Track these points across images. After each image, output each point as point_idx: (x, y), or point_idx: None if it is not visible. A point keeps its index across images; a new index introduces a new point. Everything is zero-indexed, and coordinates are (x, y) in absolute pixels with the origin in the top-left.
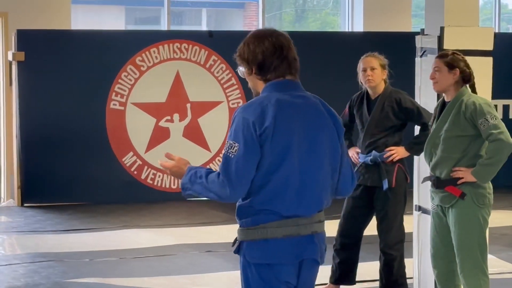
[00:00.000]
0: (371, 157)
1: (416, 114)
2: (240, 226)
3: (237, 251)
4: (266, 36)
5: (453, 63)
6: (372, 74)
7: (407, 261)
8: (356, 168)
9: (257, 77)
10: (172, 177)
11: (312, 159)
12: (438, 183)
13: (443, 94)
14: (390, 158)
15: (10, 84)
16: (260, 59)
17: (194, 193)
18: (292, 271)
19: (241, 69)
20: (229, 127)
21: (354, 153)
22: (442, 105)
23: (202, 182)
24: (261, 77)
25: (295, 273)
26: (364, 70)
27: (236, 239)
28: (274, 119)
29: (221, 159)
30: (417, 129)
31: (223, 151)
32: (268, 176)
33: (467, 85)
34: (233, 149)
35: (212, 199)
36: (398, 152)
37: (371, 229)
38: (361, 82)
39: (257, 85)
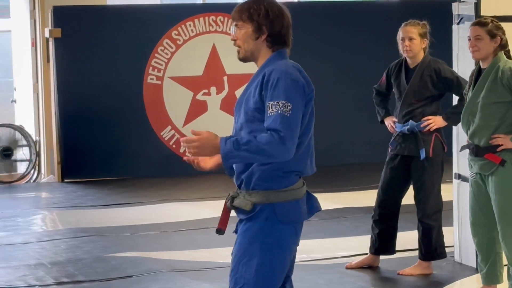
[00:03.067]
0: (408, 126)
1: (455, 84)
2: (266, 189)
3: (254, 214)
4: (281, 7)
5: (495, 31)
6: (410, 44)
7: (447, 229)
8: (393, 138)
9: (266, 44)
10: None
11: (313, 120)
12: (477, 151)
13: (480, 62)
14: (427, 128)
15: (48, 61)
16: (277, 29)
17: (239, 160)
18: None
19: (234, 29)
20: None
21: (390, 122)
22: (478, 72)
23: (251, 146)
24: (271, 44)
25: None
26: (403, 40)
27: (253, 204)
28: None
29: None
30: (455, 98)
31: (272, 111)
32: (300, 138)
33: (502, 52)
34: (287, 108)
35: (260, 161)
36: (435, 122)
37: (410, 198)
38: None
39: (260, 50)
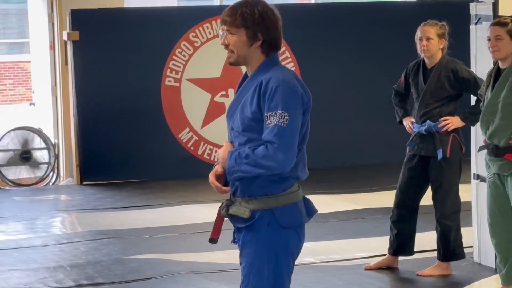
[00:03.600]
0: (426, 126)
1: (473, 85)
2: (264, 195)
3: (254, 221)
4: (276, 12)
5: None
6: (428, 44)
7: (466, 230)
8: (410, 138)
9: (261, 49)
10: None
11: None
12: (496, 151)
13: (499, 61)
14: (445, 128)
15: (66, 63)
16: (272, 36)
17: (242, 174)
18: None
19: (222, 33)
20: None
21: (408, 123)
22: (497, 72)
23: (250, 161)
24: (266, 51)
25: None
26: (421, 40)
27: (251, 211)
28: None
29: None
30: (473, 99)
31: (270, 122)
32: (299, 145)
33: None
34: (284, 118)
35: (260, 174)
36: (453, 122)
37: (428, 199)
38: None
39: (253, 57)
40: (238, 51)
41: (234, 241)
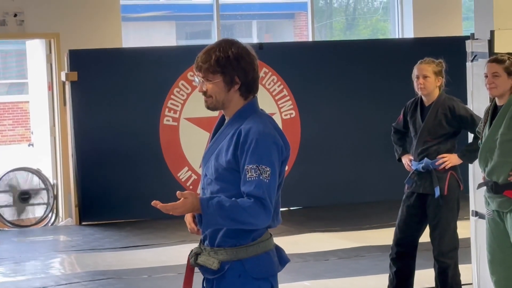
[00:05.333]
0: (423, 164)
1: (470, 122)
2: (233, 246)
3: (224, 272)
4: (251, 53)
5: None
6: (424, 82)
7: (466, 267)
8: (409, 175)
9: (239, 94)
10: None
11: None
12: (495, 188)
13: (495, 98)
14: (442, 166)
15: (64, 104)
16: (250, 78)
17: (221, 227)
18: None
19: (197, 79)
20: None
21: (407, 160)
22: (494, 109)
23: (230, 214)
24: (245, 94)
25: None
26: (417, 78)
27: (220, 262)
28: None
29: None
30: (470, 136)
31: (252, 176)
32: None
33: None
34: (266, 174)
35: (240, 228)
36: (450, 160)
37: (428, 236)
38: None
39: (232, 101)
40: (217, 97)
41: None
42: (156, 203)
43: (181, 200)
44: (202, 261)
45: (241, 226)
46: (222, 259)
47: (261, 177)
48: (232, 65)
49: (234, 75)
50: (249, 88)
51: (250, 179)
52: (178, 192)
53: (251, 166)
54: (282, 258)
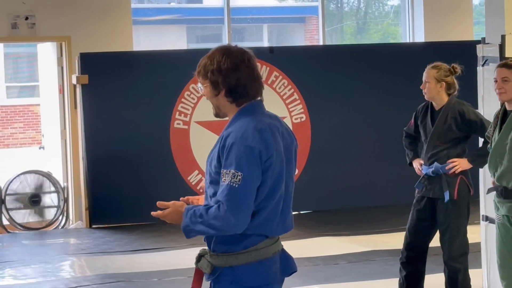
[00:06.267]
0: (433, 168)
1: (480, 127)
2: (224, 252)
3: (216, 278)
4: (238, 58)
5: None
6: (427, 87)
7: (476, 271)
8: (419, 180)
9: (227, 99)
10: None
11: (289, 180)
12: (505, 193)
13: (505, 103)
14: (452, 170)
15: (75, 107)
16: (233, 83)
17: (197, 234)
18: (279, 287)
19: (201, 86)
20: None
21: (417, 165)
22: (504, 114)
23: (203, 221)
24: (232, 99)
25: None
26: (423, 82)
27: (212, 266)
28: (275, 146)
29: None
30: (481, 141)
31: (225, 180)
32: (263, 203)
33: None
34: (236, 178)
35: (215, 235)
36: (460, 164)
37: (438, 240)
38: None
39: (225, 106)
40: (212, 102)
41: None
42: (161, 204)
43: (166, 210)
44: (200, 264)
45: (213, 232)
46: (215, 264)
47: (230, 182)
48: (214, 71)
49: (217, 81)
50: (236, 94)
51: (222, 183)
52: (158, 202)
53: (225, 170)
54: (287, 267)
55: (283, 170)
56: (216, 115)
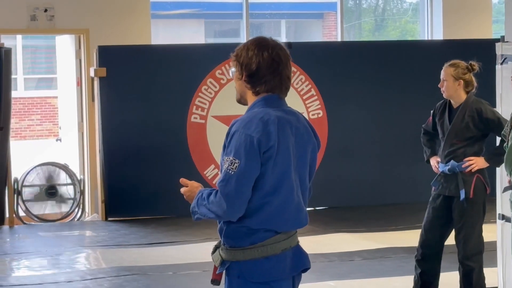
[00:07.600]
0: (449, 166)
1: (497, 125)
2: (231, 247)
3: (226, 271)
4: (267, 48)
5: None
6: (444, 85)
7: (491, 270)
8: (435, 177)
9: (246, 85)
10: None
11: (302, 175)
12: None
13: None
14: (469, 169)
15: (93, 99)
16: (253, 68)
17: (201, 216)
18: (290, 284)
19: (233, 70)
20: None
21: (435, 162)
22: None
23: (206, 203)
24: (250, 86)
25: (291, 286)
26: (441, 80)
27: (222, 260)
28: (278, 138)
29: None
30: (498, 139)
31: (224, 166)
32: (267, 197)
33: None
34: (233, 165)
35: (213, 219)
36: (477, 163)
37: (453, 238)
38: None
39: (245, 92)
40: (236, 86)
41: None
42: (183, 181)
43: (186, 188)
44: (212, 256)
45: (213, 216)
46: (224, 258)
47: (227, 169)
48: (239, 57)
49: (242, 63)
50: (254, 82)
51: (222, 170)
52: (181, 179)
53: (226, 157)
54: (298, 263)
55: (291, 165)
56: (238, 101)
